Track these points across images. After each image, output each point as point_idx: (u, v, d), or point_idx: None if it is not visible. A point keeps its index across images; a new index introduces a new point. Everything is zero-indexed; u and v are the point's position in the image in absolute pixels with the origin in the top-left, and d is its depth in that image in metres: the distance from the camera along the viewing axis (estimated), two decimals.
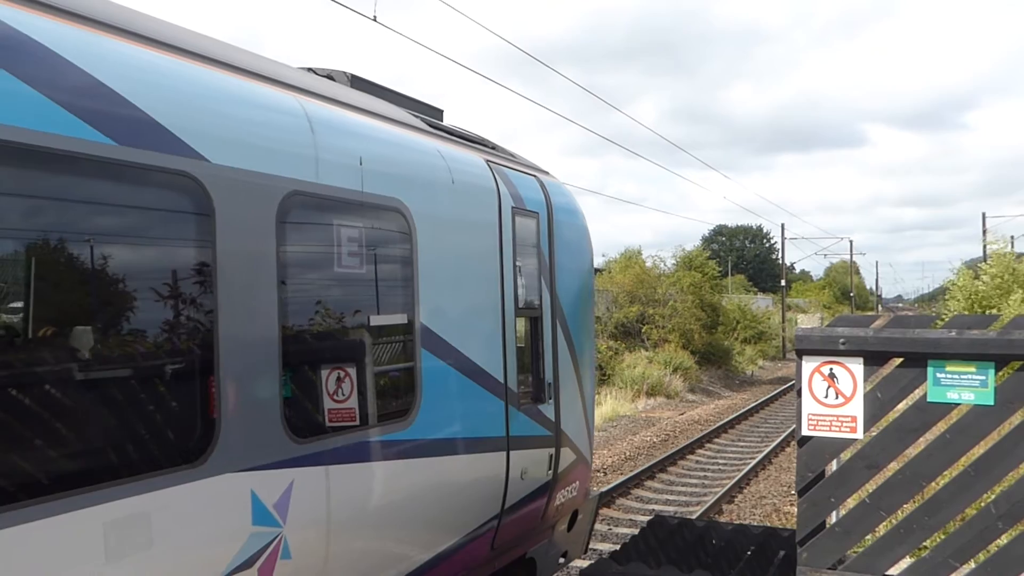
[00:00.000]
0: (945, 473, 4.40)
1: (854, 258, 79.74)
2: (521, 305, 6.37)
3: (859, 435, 4.44)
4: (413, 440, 5.04)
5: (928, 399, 4.29)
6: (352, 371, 4.66)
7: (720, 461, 17.88)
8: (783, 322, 51.84)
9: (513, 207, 6.34)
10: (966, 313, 28.12)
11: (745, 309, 46.71)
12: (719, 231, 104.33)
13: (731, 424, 22.51)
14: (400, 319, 5.04)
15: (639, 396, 26.62)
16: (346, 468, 4.46)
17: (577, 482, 7.51)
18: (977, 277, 29.93)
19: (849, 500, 4.63)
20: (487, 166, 6.27)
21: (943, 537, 4.39)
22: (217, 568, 3.64)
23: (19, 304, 3.06)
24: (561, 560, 7.74)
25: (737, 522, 11.09)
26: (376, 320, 4.90)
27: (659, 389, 28.05)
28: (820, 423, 4.49)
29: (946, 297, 33.71)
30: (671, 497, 14.44)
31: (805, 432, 4.52)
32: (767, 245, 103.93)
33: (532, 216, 6.65)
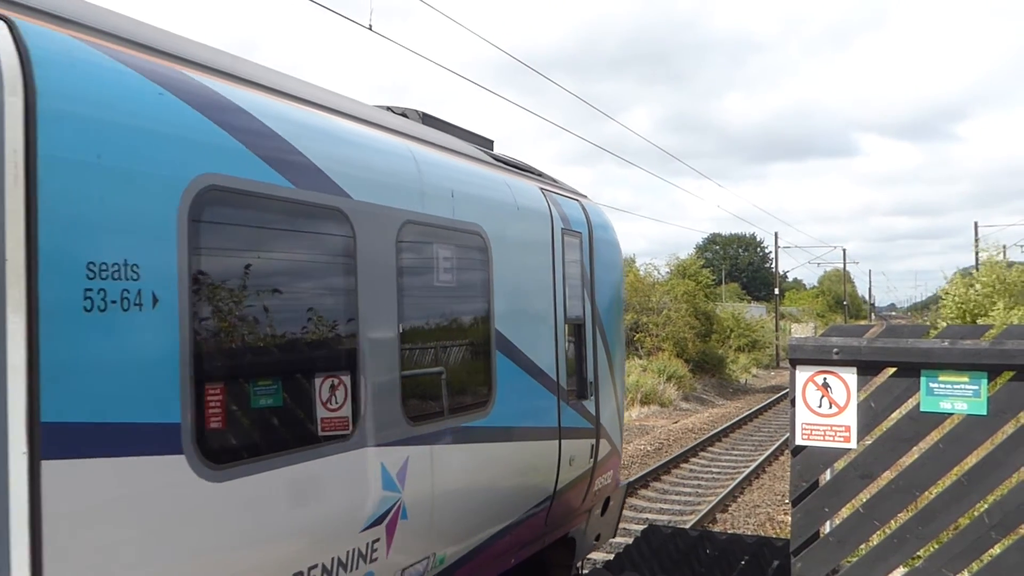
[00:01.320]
0: (938, 482, 4.40)
1: (847, 267, 80.00)
2: (568, 314, 7.30)
3: (853, 444, 4.45)
4: (490, 427, 5.99)
5: (921, 409, 4.31)
6: (447, 368, 5.61)
7: (714, 470, 17.88)
8: (777, 331, 51.93)
9: (562, 228, 7.33)
10: (958, 322, 28.26)
11: (739, 317, 46.78)
12: (713, 239, 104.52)
13: (725, 433, 22.52)
14: (481, 326, 5.99)
15: (633, 404, 26.62)
16: (444, 448, 5.39)
17: (611, 471, 8.47)
18: (971, 286, 30.04)
19: (843, 510, 4.63)
20: (541, 193, 7.24)
21: (937, 547, 4.40)
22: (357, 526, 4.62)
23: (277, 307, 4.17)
24: (595, 542, 8.63)
25: (731, 531, 11.09)
26: (464, 326, 5.90)
27: (653, 397, 28.06)
28: (814, 432, 4.49)
29: (939, 305, 33.84)
30: (665, 506, 14.43)
31: (799, 441, 4.53)
32: (761, 254, 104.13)
33: (576, 235, 7.63)
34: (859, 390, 4.44)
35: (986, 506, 4.28)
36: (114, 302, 3.24)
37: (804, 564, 4.48)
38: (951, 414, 4.27)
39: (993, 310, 27.57)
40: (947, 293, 31.13)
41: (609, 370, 8.28)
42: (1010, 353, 4.12)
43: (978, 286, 29.47)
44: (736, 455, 19.72)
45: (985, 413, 4.19)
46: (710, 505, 13.97)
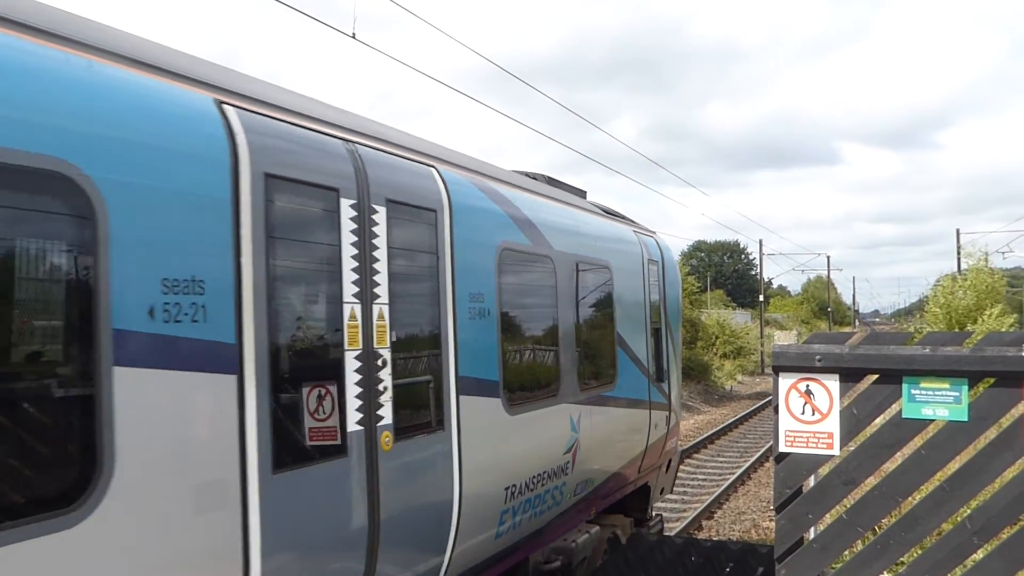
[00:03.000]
0: (921, 488, 4.43)
1: (831, 274, 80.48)
2: (652, 320, 10.03)
3: (836, 451, 4.47)
4: (616, 396, 8.64)
5: (903, 415, 4.33)
6: (596, 355, 8.31)
7: (699, 476, 17.91)
8: (761, 337, 52.11)
9: (648, 258, 10.02)
10: (944, 328, 28.45)
11: (724, 324, 46.91)
12: (698, 247, 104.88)
13: (710, 439, 22.57)
14: (610, 329, 8.69)
15: None
16: (593, 408, 7.96)
17: (675, 438, 11.19)
18: (954, 292, 30.26)
19: (827, 516, 4.64)
20: (634, 233, 9.99)
21: (920, 552, 4.42)
22: (560, 451, 7.31)
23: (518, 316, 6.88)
24: (659, 494, 11.20)
25: (716, 538, 11.11)
26: (603, 329, 8.56)
27: None
28: (797, 439, 4.51)
29: (924, 311, 34.06)
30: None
31: (782, 448, 4.54)
32: (745, 261, 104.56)
33: (656, 263, 10.41)
34: (842, 397, 4.46)
35: (968, 512, 4.30)
36: (489, 312, 6.18)
37: (789, 571, 4.49)
38: (933, 420, 4.30)
39: (984, 316, 27.76)
40: (934, 298, 31.36)
41: (675, 362, 11.07)
42: (990, 359, 4.15)
43: (961, 292, 29.71)
44: (721, 461, 19.76)
45: (966, 419, 4.21)
46: (696, 511, 13.99)
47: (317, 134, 4.64)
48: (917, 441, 4.41)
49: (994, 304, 29.10)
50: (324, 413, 4.44)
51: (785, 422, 4.52)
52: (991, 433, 4.30)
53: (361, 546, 4.67)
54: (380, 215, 4.94)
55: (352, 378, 4.64)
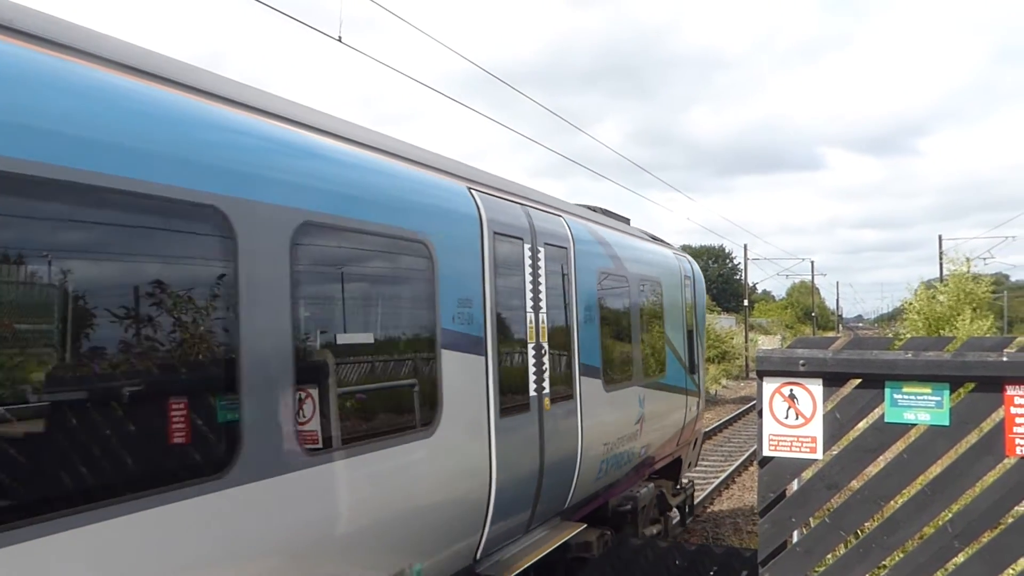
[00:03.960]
0: (903, 492, 4.45)
1: (815, 279, 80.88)
2: (687, 325, 12.38)
3: (819, 455, 4.49)
4: (665, 383, 10.95)
5: (886, 419, 4.36)
6: (651, 350, 10.45)
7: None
8: (746, 342, 52.32)
9: (684, 275, 12.46)
10: (923, 333, 28.65)
11: (709, 329, 47.09)
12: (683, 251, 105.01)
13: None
14: (659, 330, 10.94)
15: None
16: (650, 390, 10.25)
17: (701, 421, 13.59)
18: (933, 297, 30.48)
19: (810, 520, 4.67)
20: (675, 255, 12.46)
21: (902, 556, 4.45)
22: (632, 421, 9.46)
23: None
24: (688, 465, 13.28)
25: (700, 542, 11.14)
26: (656, 331, 10.75)
27: None
28: (781, 443, 4.53)
29: (904, 317, 34.30)
30: None
31: (766, 452, 4.56)
32: (730, 265, 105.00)
33: (689, 279, 12.78)
34: (825, 401, 4.49)
35: (949, 516, 4.34)
36: (593, 319, 8.44)
37: (772, 574, 4.51)
38: (915, 425, 4.33)
39: (959, 320, 28.02)
40: (911, 305, 31.59)
41: (701, 358, 13.68)
42: (971, 365, 4.18)
43: (942, 298, 29.94)
44: (706, 465, 19.80)
45: (948, 424, 4.25)
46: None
47: (511, 203, 7.12)
48: (899, 445, 4.44)
49: (975, 310, 29.36)
50: (519, 384, 6.86)
51: (769, 426, 4.54)
52: (972, 437, 4.34)
53: (536, 466, 7.03)
54: (541, 253, 7.37)
55: (531, 362, 7.05)
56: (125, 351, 3.59)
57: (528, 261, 7.08)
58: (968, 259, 34.45)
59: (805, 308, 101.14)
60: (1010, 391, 4.14)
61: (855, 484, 4.64)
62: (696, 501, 15.00)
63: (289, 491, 4.31)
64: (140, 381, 3.66)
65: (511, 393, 6.62)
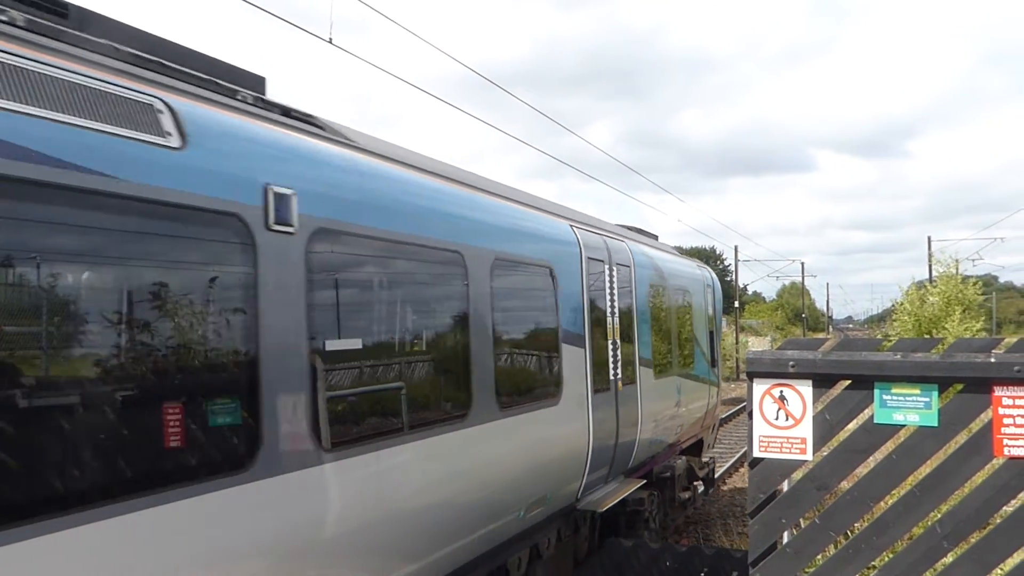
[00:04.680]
0: (892, 493, 4.47)
1: (806, 280, 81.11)
2: (708, 327, 14.53)
3: (809, 456, 4.51)
4: (695, 374, 13.03)
5: (875, 420, 4.37)
6: (687, 346, 12.59)
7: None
8: (736, 343, 52.42)
9: (706, 284, 14.64)
10: (912, 334, 28.76)
11: None
12: None
13: None
14: (690, 334, 12.93)
15: None
16: (686, 380, 12.45)
17: (718, 408, 15.44)
18: (923, 299, 30.59)
19: (800, 520, 4.68)
20: (698, 266, 14.82)
21: (891, 556, 4.46)
22: (673, 405, 11.87)
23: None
24: (707, 446, 15.11)
25: (691, 543, 11.15)
26: (687, 335, 12.72)
27: None
28: (771, 445, 4.54)
29: (894, 319, 34.42)
30: None
31: (756, 454, 4.57)
32: (721, 267, 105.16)
33: (710, 287, 14.95)
34: (815, 402, 4.50)
35: (938, 516, 4.36)
36: (646, 321, 10.74)
37: (762, 575, 4.52)
38: (904, 426, 4.35)
39: (948, 321, 28.15)
40: (902, 306, 31.71)
41: (719, 355, 15.80)
42: (959, 366, 4.21)
43: (932, 299, 30.06)
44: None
45: (936, 424, 4.27)
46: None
47: (595, 234, 9.36)
48: (889, 446, 4.46)
49: (965, 311, 29.51)
50: (604, 369, 9.01)
51: (759, 427, 4.56)
52: (961, 438, 4.36)
53: (614, 432, 9.16)
54: (614, 272, 9.59)
55: (610, 354, 9.22)
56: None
57: (607, 278, 9.40)
58: (957, 261, 34.65)
59: (795, 309, 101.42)
60: (998, 392, 4.16)
61: (845, 485, 4.66)
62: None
63: (492, 433, 6.53)
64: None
65: (599, 376, 8.81)
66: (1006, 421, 4.15)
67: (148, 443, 3.76)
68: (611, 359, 9.21)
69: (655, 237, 13.69)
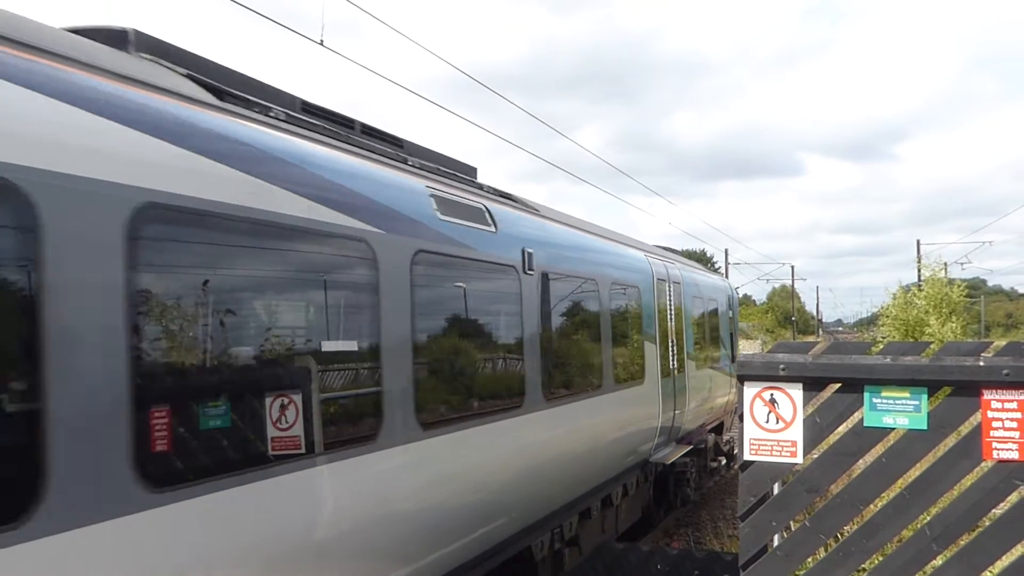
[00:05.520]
0: (882, 496, 4.49)
1: (795, 283, 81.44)
2: (730, 329, 17.68)
3: (799, 459, 4.52)
4: (720, 368, 16.20)
5: (865, 424, 4.39)
6: (716, 344, 16.27)
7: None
8: None
9: (728, 295, 18.24)
10: (898, 338, 28.91)
11: None
12: None
13: None
14: (713, 335, 15.86)
15: None
16: (715, 373, 15.71)
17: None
18: (909, 302, 30.74)
19: (790, 523, 4.69)
20: (721, 279, 19.32)
21: (881, 559, 4.48)
22: (707, 391, 15.06)
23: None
24: (726, 428, 17.46)
25: (682, 547, 11.16)
26: (709, 335, 15.51)
27: None
28: (762, 448, 4.55)
29: (880, 323, 34.59)
30: None
31: (747, 457, 4.58)
32: (712, 270, 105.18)
33: (730, 297, 18.44)
34: (805, 405, 4.51)
35: (928, 519, 4.37)
36: (689, 324, 13.96)
37: None
38: (893, 429, 4.36)
39: (928, 326, 28.39)
40: (888, 309, 31.86)
41: (737, 352, 17.86)
42: (948, 369, 4.23)
43: (919, 302, 30.22)
44: None
45: (926, 428, 4.29)
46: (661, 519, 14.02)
47: (659, 259, 12.42)
48: (878, 449, 4.47)
49: (951, 314, 29.70)
50: (665, 359, 11.67)
51: (750, 431, 4.57)
52: (950, 441, 4.38)
53: (672, 408, 11.94)
54: (671, 288, 12.51)
55: (669, 348, 12.01)
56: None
57: (667, 293, 12.46)
58: (945, 264, 34.83)
59: (785, 312, 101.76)
60: (987, 395, 4.18)
61: (835, 488, 4.67)
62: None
63: (615, 399, 9.53)
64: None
65: (664, 365, 11.67)
66: (995, 424, 4.17)
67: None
68: (670, 353, 12.30)
69: (676, 252, 17.34)
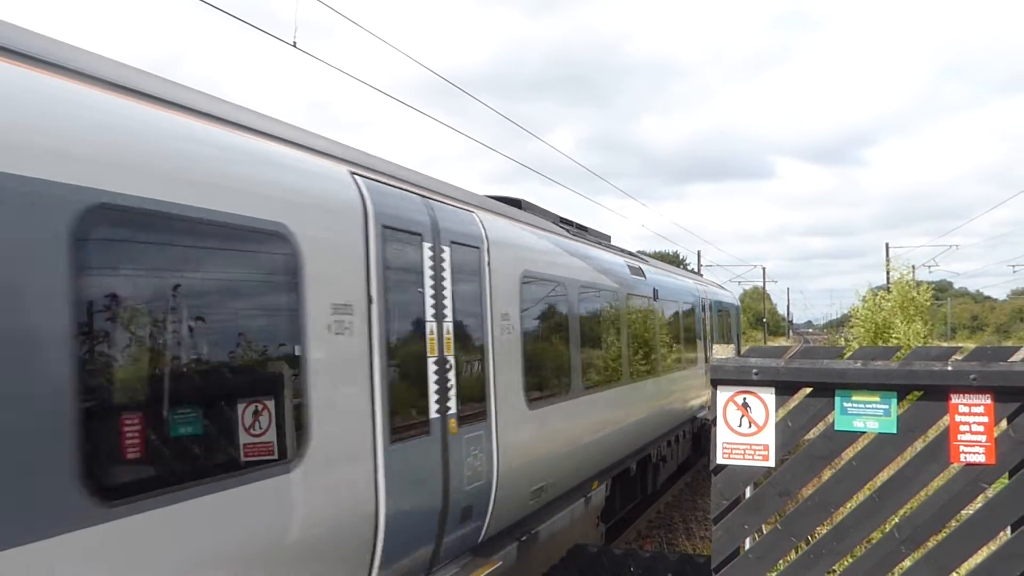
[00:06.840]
0: (852, 499, 4.54)
1: (767, 285, 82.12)
2: (738, 332, 24.60)
3: (771, 463, 4.56)
4: (699, 369, 17.13)
5: (836, 427, 4.44)
6: (730, 344, 22.14)
7: None
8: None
9: (736, 305, 24.91)
10: (868, 339, 29.26)
11: None
12: None
13: None
14: (693, 337, 16.61)
15: None
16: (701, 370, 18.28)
17: None
18: (877, 304, 31.13)
19: (763, 526, 4.73)
20: (729, 293, 25.21)
21: (851, 561, 4.54)
22: None
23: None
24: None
25: (655, 549, 11.22)
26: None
27: None
28: (734, 451, 4.59)
29: (850, 325, 34.98)
30: None
31: (720, 460, 4.62)
32: (695, 273, 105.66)
33: (737, 305, 24.91)
34: (777, 409, 4.56)
35: (897, 521, 4.43)
36: (715, 326, 20.77)
37: None
38: (864, 432, 4.42)
39: (895, 328, 28.83)
40: (858, 311, 32.24)
41: (742, 350, 19.48)
42: (918, 374, 4.29)
43: (887, 304, 30.61)
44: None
45: (895, 431, 4.35)
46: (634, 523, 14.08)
47: (702, 286, 19.70)
48: (849, 453, 4.53)
49: (921, 317, 30.15)
50: (704, 353, 17.68)
51: (723, 434, 4.60)
52: (918, 444, 4.44)
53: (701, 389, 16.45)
54: (707, 303, 18.40)
55: (704, 344, 17.66)
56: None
57: (706, 307, 17.78)
58: (913, 267, 35.31)
59: (757, 314, 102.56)
60: (955, 399, 4.25)
61: (806, 491, 4.72)
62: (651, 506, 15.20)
63: (682, 376, 14.83)
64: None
65: (702, 356, 16.77)
66: (962, 428, 4.24)
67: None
68: (704, 347, 17.17)
69: (700, 275, 21.50)
